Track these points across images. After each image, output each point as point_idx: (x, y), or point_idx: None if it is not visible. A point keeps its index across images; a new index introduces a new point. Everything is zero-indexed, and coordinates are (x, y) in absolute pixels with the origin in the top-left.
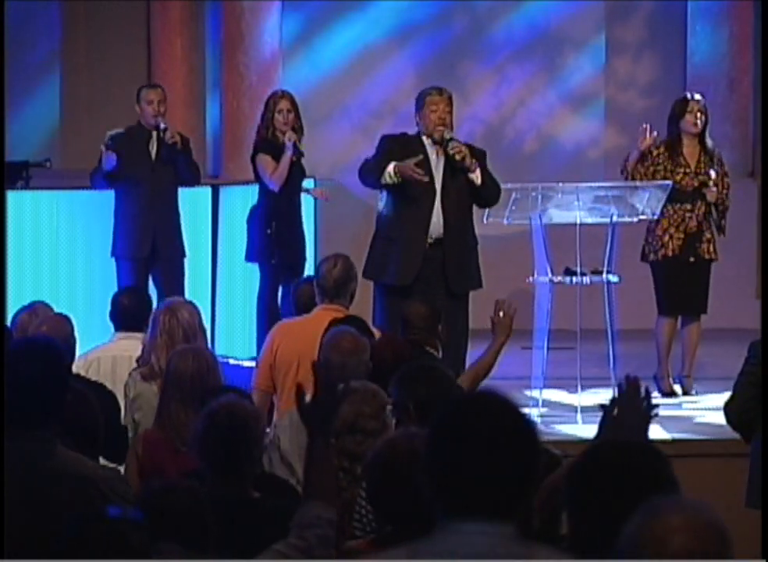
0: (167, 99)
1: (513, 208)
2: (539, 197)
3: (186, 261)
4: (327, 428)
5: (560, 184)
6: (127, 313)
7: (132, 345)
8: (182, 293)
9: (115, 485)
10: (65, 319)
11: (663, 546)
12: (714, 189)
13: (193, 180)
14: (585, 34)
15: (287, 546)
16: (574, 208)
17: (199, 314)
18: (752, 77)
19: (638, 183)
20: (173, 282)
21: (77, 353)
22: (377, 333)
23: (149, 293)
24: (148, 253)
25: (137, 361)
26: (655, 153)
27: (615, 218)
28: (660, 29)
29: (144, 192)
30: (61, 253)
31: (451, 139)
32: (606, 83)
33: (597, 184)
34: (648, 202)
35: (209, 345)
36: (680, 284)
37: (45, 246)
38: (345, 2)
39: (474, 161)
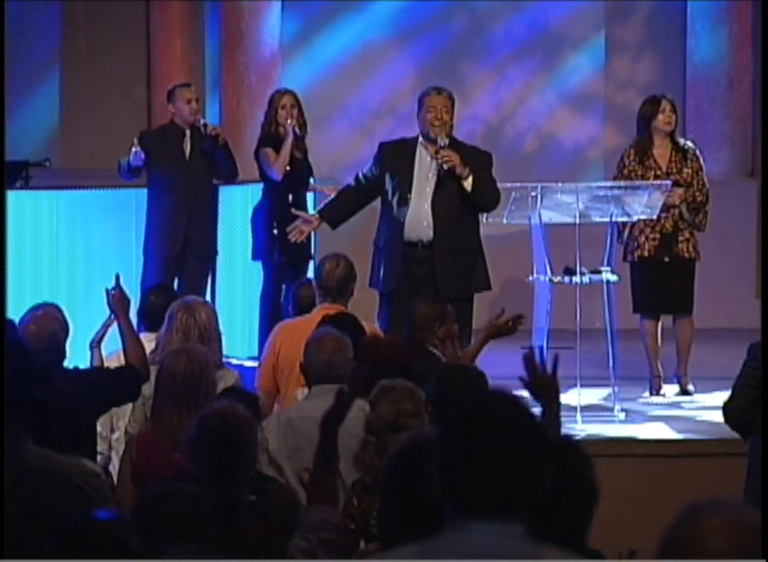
0: (200, 96)
1: (513, 207)
2: (539, 196)
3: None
4: (336, 433)
5: (560, 184)
6: (159, 312)
7: None
8: (204, 291)
9: (91, 480)
10: (52, 316)
11: (702, 547)
12: (680, 190)
13: (232, 174)
14: (585, 34)
15: (291, 547)
16: (573, 208)
17: (216, 317)
18: (752, 77)
19: (637, 183)
20: (198, 281)
21: (70, 352)
22: (370, 330)
23: (176, 293)
24: (179, 251)
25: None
26: (627, 161)
27: (614, 218)
28: (660, 28)
29: (178, 191)
30: (61, 253)
31: (444, 146)
32: (605, 82)
33: (596, 184)
34: (647, 202)
35: (223, 348)
36: (656, 284)
37: (45, 246)
38: (345, 2)
39: (466, 168)
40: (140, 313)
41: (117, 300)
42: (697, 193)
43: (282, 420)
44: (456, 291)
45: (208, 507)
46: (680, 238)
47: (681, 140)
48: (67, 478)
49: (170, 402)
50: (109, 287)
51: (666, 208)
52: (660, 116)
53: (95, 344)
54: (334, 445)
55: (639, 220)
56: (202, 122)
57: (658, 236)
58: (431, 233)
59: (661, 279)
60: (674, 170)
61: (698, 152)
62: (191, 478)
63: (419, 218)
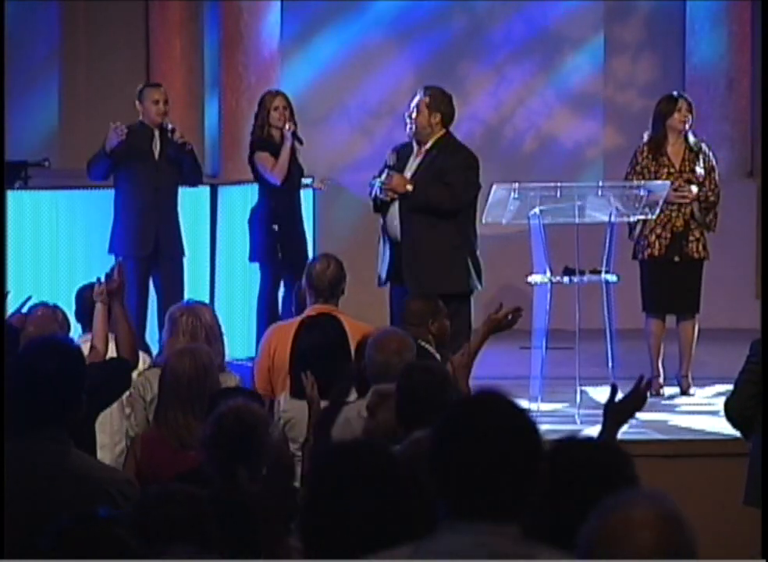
0: (169, 98)
1: (512, 208)
2: (538, 196)
3: (185, 260)
4: (330, 434)
5: (559, 184)
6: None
7: None
8: (182, 292)
9: (125, 489)
10: (52, 318)
11: (626, 542)
12: (694, 188)
13: (198, 180)
14: (584, 34)
15: (288, 548)
16: (572, 208)
17: (217, 317)
18: (751, 77)
19: (636, 183)
20: (174, 282)
21: None
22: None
23: None
24: (150, 252)
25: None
26: (640, 158)
27: (614, 218)
28: (659, 29)
29: (147, 191)
30: (60, 253)
31: (390, 175)
32: (604, 83)
33: (596, 184)
34: (646, 202)
35: (226, 348)
36: (665, 284)
37: (45, 246)
38: (344, 2)
39: (410, 187)
40: (79, 313)
41: (116, 287)
42: (709, 193)
43: (340, 419)
44: (423, 288)
45: (210, 508)
46: (691, 238)
47: (694, 140)
48: (101, 484)
49: (175, 401)
50: (104, 274)
51: (677, 206)
52: (676, 115)
53: (100, 298)
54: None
55: (648, 219)
56: (170, 126)
57: (669, 234)
58: (398, 232)
59: (670, 278)
60: (687, 169)
61: (710, 153)
62: (197, 477)
63: (393, 216)
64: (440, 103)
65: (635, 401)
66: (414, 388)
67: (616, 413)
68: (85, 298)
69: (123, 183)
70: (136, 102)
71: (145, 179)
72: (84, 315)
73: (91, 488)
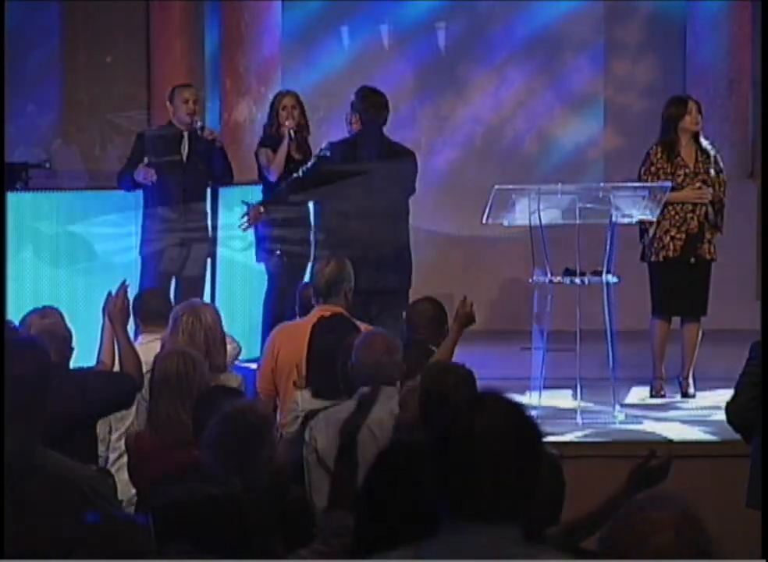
0: (200, 98)
1: (513, 209)
2: (539, 197)
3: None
4: (356, 439)
5: (560, 185)
6: (154, 312)
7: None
8: (202, 293)
9: (97, 485)
10: (54, 319)
11: (646, 543)
12: (709, 190)
13: (228, 178)
14: (585, 35)
15: (311, 552)
16: (573, 209)
17: (220, 319)
18: (751, 78)
19: (637, 184)
20: (196, 284)
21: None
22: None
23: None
24: (176, 254)
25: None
26: (654, 158)
27: (614, 219)
28: (659, 30)
29: (175, 193)
30: (61, 253)
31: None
32: (605, 84)
33: (596, 185)
34: (647, 203)
35: (227, 350)
36: (680, 285)
37: (45, 247)
38: (345, 2)
39: (261, 208)
40: (138, 314)
41: (118, 310)
42: (721, 195)
43: (331, 420)
44: None
45: (216, 509)
46: (704, 239)
47: (705, 142)
48: (73, 482)
49: (166, 402)
50: (113, 292)
51: (692, 207)
52: (688, 117)
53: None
54: (353, 451)
55: (661, 222)
56: (199, 124)
57: (684, 236)
58: None
59: (684, 281)
60: (701, 170)
61: (719, 155)
62: (197, 476)
63: None
64: (355, 102)
65: (659, 474)
66: (436, 388)
67: (641, 477)
68: (143, 301)
69: (151, 186)
70: (167, 103)
71: (172, 182)
72: (146, 317)
73: (65, 484)
